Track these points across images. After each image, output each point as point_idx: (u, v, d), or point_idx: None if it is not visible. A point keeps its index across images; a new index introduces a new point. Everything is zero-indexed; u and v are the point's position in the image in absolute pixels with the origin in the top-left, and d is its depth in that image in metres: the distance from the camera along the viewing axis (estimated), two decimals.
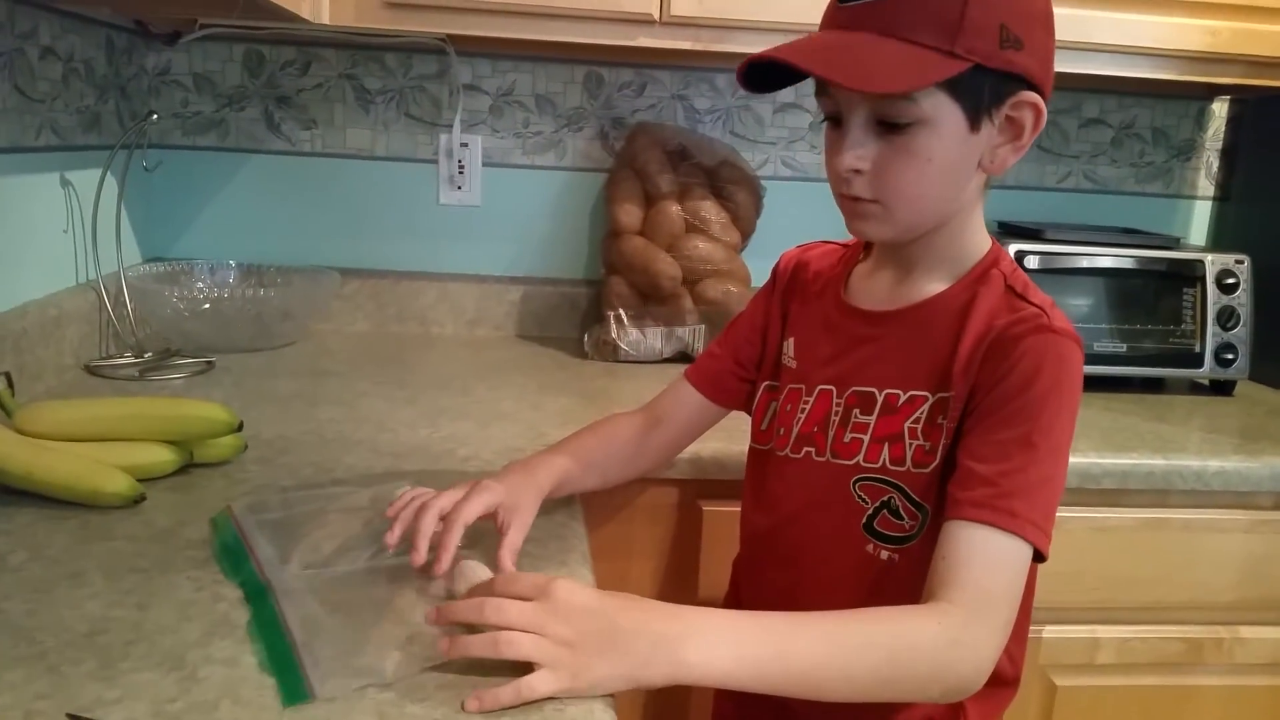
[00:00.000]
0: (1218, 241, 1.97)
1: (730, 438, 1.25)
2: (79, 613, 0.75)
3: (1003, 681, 0.92)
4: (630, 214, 1.67)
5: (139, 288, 1.54)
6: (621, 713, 0.70)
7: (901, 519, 0.86)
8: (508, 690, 0.66)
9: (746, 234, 1.73)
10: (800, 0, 1.41)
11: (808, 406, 0.93)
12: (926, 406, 0.85)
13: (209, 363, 1.47)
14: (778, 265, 1.05)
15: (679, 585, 1.28)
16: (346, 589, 0.80)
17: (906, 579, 0.83)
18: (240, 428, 1.07)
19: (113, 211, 1.54)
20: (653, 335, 1.66)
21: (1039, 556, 0.79)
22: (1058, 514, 1.27)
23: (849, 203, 0.85)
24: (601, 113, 1.82)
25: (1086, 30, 1.51)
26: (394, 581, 0.82)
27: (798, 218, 1.84)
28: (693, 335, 1.66)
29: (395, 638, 0.73)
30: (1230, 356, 1.64)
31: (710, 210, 1.67)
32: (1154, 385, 1.70)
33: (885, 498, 0.86)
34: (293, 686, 0.66)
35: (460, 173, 1.81)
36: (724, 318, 1.65)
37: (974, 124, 0.80)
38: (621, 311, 1.66)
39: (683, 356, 1.68)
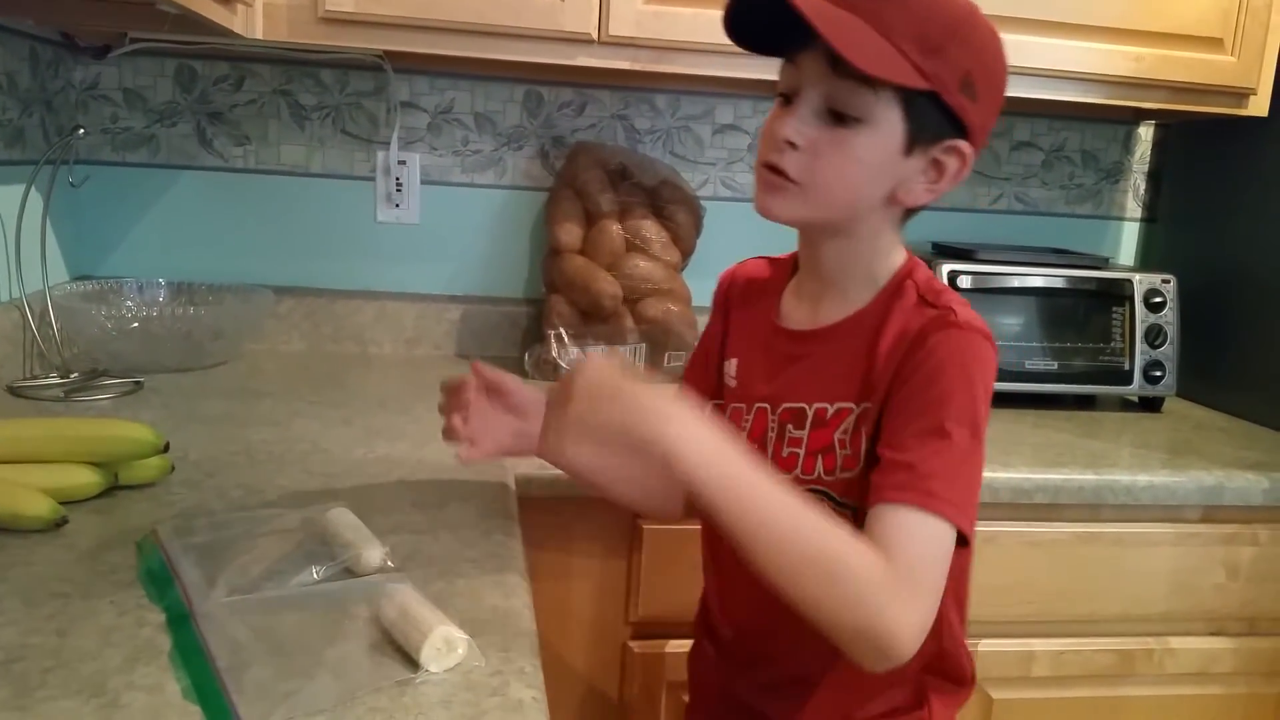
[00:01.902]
0: (1145, 261, 2.02)
1: None
2: None
3: (961, 680, 0.96)
4: (571, 233, 1.67)
5: (65, 306, 1.50)
6: None
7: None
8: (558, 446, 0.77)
9: (687, 253, 1.74)
10: None
11: (748, 424, 0.95)
12: (853, 417, 0.88)
13: (137, 383, 1.43)
14: (717, 288, 1.07)
15: (618, 604, 1.28)
16: (274, 614, 0.78)
17: None
18: (166, 448, 1.04)
19: (37, 228, 1.50)
20: (594, 354, 1.66)
21: (962, 541, 0.79)
22: (992, 528, 1.30)
23: (769, 174, 0.86)
24: (541, 131, 1.82)
25: (1018, 54, 1.52)
26: (323, 606, 0.80)
27: (737, 237, 1.85)
28: (634, 354, 1.66)
29: (325, 662, 0.71)
30: (1158, 374, 1.68)
31: (651, 230, 1.67)
32: (1085, 402, 1.73)
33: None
34: (218, 715, 0.64)
35: (398, 190, 1.79)
36: (665, 336, 1.65)
37: (908, 148, 0.83)
38: (563, 330, 1.65)
39: None
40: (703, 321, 1.71)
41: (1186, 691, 1.44)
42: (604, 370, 0.78)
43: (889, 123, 0.82)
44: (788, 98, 0.85)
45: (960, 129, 0.83)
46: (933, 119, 0.82)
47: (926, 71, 0.79)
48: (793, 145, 0.83)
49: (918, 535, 0.77)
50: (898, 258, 0.92)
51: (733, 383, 1.00)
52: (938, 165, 0.85)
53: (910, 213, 0.91)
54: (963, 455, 0.80)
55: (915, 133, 0.82)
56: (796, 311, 0.96)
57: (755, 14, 0.82)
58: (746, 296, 1.02)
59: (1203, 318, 1.74)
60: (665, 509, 1.05)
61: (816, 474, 0.89)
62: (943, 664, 0.95)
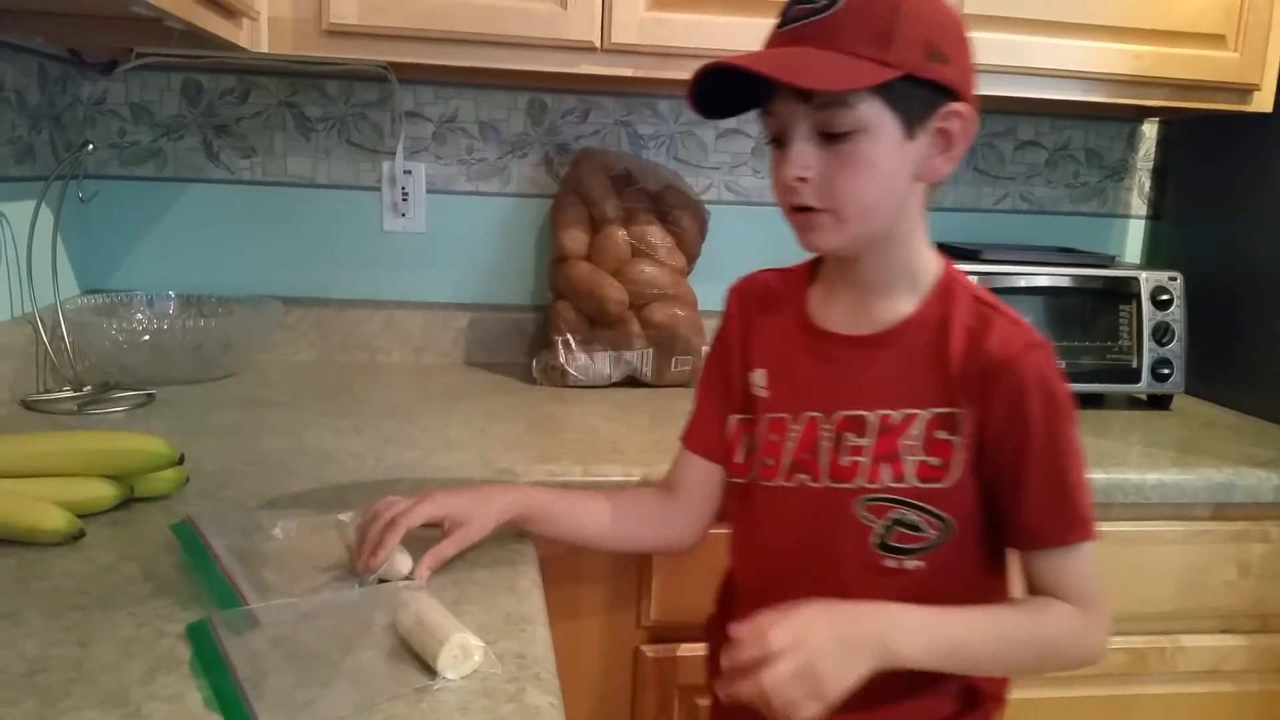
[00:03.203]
0: (1151, 259, 2.02)
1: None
2: (16, 652, 0.73)
3: (995, 697, 0.98)
4: (576, 239, 1.68)
5: (76, 320, 1.51)
6: None
7: (921, 531, 0.89)
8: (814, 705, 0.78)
9: (692, 258, 1.74)
10: (738, 29, 1.44)
11: (796, 434, 0.94)
12: (921, 422, 0.88)
13: (149, 395, 1.44)
14: (729, 298, 1.06)
15: (631, 608, 1.28)
16: (293, 623, 0.79)
17: (932, 582, 0.89)
18: (181, 461, 1.05)
19: (48, 243, 1.51)
20: (601, 360, 1.66)
21: None
22: None
23: (799, 215, 0.88)
24: (546, 139, 1.82)
25: (1020, 55, 1.56)
26: (341, 614, 0.81)
27: (742, 241, 1.86)
28: (641, 359, 1.67)
29: (343, 670, 0.72)
30: (1166, 371, 1.68)
31: (656, 235, 1.68)
32: (1093, 401, 1.73)
33: (895, 514, 0.89)
34: None
35: (404, 200, 1.80)
36: (671, 341, 1.66)
37: (909, 132, 0.85)
38: (569, 336, 1.66)
39: (631, 380, 1.68)
40: (710, 327, 1.72)
41: (1198, 690, 1.44)
42: (825, 632, 0.81)
43: (880, 120, 0.83)
44: (779, 140, 0.87)
45: (947, 92, 0.85)
46: (918, 97, 0.84)
47: (889, 61, 0.81)
48: (804, 180, 0.85)
49: (1085, 565, 0.89)
50: (933, 256, 0.93)
51: (764, 393, 0.98)
52: (944, 134, 0.86)
53: (933, 193, 0.92)
54: (1082, 469, 0.88)
55: (908, 117, 0.84)
56: (832, 314, 0.95)
57: (715, 86, 0.86)
58: (764, 306, 1.01)
59: (1210, 314, 1.73)
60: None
61: (883, 483, 0.89)
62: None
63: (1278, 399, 1.65)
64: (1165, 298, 1.68)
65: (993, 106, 1.90)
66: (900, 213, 0.88)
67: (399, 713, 0.68)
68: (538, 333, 1.83)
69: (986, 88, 1.56)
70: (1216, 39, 1.60)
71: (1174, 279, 1.69)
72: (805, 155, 0.85)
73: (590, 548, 1.08)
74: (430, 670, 0.72)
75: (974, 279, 1.57)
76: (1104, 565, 1.35)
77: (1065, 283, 1.67)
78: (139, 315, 1.66)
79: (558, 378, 1.66)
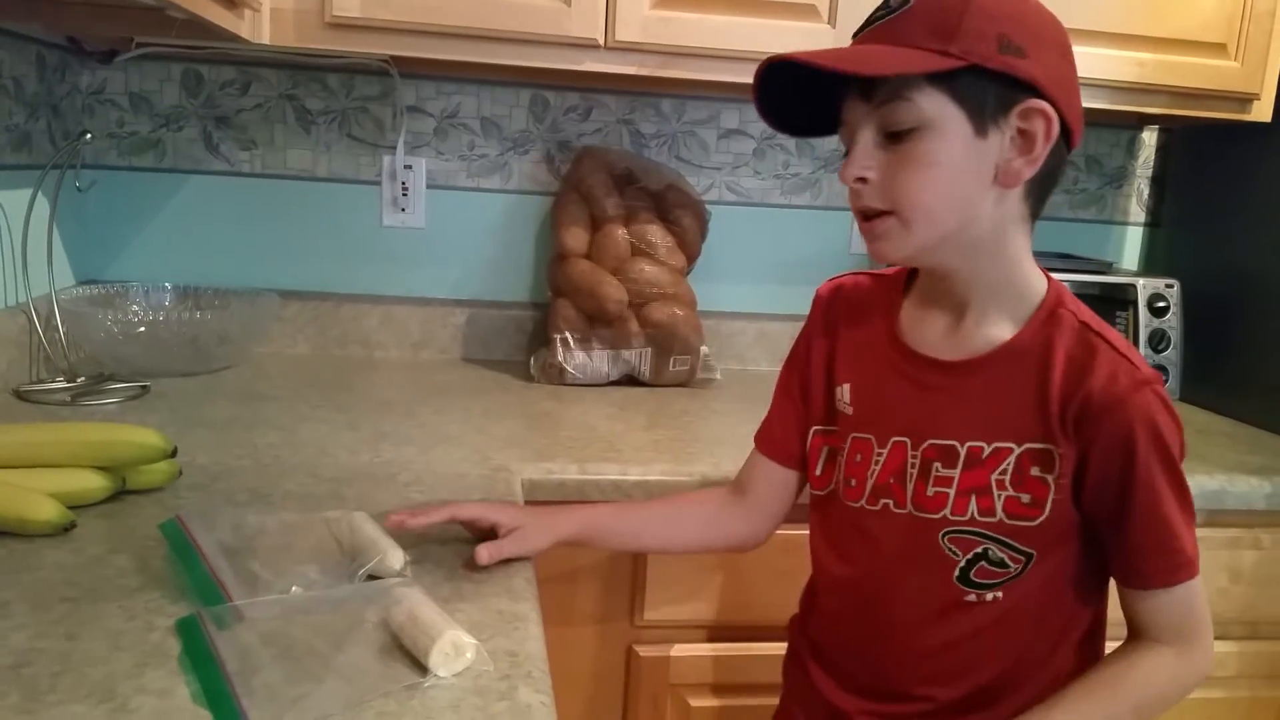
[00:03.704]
0: (1149, 266, 2.02)
1: (677, 459, 1.25)
2: (2, 645, 0.72)
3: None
4: (576, 237, 1.67)
5: (71, 311, 1.50)
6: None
7: (1005, 566, 0.87)
8: None
9: (692, 258, 1.74)
10: (743, 28, 1.44)
11: (881, 458, 0.92)
12: (1014, 458, 0.85)
13: (144, 387, 1.44)
14: (815, 304, 1.03)
15: (624, 608, 1.28)
16: (283, 618, 0.79)
17: (1012, 613, 0.89)
18: (174, 453, 1.05)
19: (44, 233, 1.50)
20: (599, 358, 1.66)
21: None
22: None
23: (866, 225, 0.85)
24: (547, 136, 1.82)
25: None
26: (332, 610, 0.81)
27: (742, 242, 1.86)
28: (639, 358, 1.66)
29: (334, 667, 0.72)
30: (1162, 378, 1.67)
31: (656, 234, 1.67)
32: None
33: (980, 549, 0.87)
34: (228, 719, 0.65)
35: (404, 195, 1.80)
36: (670, 341, 1.65)
37: (980, 130, 0.80)
38: (568, 334, 1.65)
39: (629, 379, 1.68)
40: (711, 326, 1.72)
41: (1190, 696, 1.43)
42: None
43: (946, 116, 0.80)
44: (849, 149, 0.85)
45: (1027, 89, 0.80)
46: (991, 92, 0.80)
47: (953, 52, 0.78)
48: (864, 180, 0.83)
49: (1187, 603, 0.88)
50: (1038, 276, 0.89)
51: (849, 410, 0.95)
52: (1024, 134, 0.81)
53: (1038, 207, 0.88)
54: (1189, 511, 0.86)
55: (978, 113, 0.80)
56: (924, 334, 0.92)
57: (789, 96, 0.84)
58: (853, 316, 0.98)
59: (1206, 322, 1.73)
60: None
61: (969, 515, 0.87)
62: None
63: (1272, 407, 1.65)
64: (1162, 304, 1.68)
65: None
66: (977, 219, 0.83)
67: (390, 710, 0.67)
68: (536, 330, 1.82)
69: None
70: (1218, 48, 1.60)
71: (1171, 286, 1.69)
72: (867, 155, 0.82)
73: (654, 554, 1.11)
74: (422, 668, 0.72)
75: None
76: None
77: None
78: (134, 306, 1.66)
79: (556, 375, 1.65)
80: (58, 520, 0.91)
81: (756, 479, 1.05)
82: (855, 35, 0.86)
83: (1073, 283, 1.66)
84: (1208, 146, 1.85)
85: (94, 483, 0.99)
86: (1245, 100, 1.64)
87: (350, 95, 1.76)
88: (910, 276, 0.96)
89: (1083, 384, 0.82)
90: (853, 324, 0.97)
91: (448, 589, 0.86)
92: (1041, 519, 0.85)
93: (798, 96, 0.84)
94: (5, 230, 1.43)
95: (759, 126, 1.87)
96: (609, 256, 1.66)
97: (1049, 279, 0.90)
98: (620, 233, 1.66)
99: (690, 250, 1.73)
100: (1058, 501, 0.85)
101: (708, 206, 1.77)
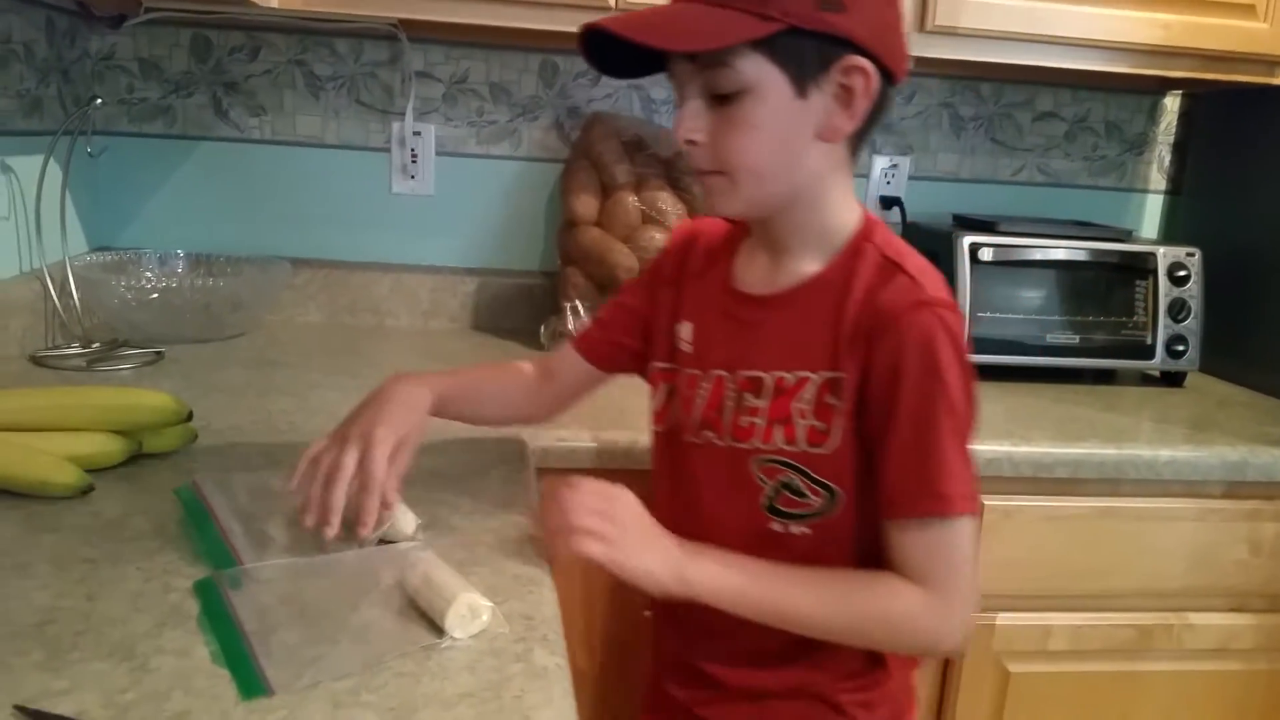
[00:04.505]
0: (1169, 235, 2.00)
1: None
2: (26, 604, 0.73)
3: (902, 662, 0.98)
4: (586, 205, 1.66)
5: (85, 277, 1.50)
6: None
7: (805, 497, 0.88)
8: (595, 548, 0.82)
9: None
10: None
11: (705, 392, 0.94)
12: (813, 387, 0.86)
13: (158, 353, 1.44)
14: (670, 242, 1.06)
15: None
16: (300, 580, 0.79)
17: (821, 551, 0.88)
18: (190, 417, 1.05)
19: (56, 199, 1.50)
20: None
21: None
22: (1011, 502, 1.31)
23: (700, 178, 0.87)
24: (557, 102, 1.81)
25: (1042, 22, 1.53)
26: (349, 573, 0.81)
27: None
28: None
29: (351, 628, 0.72)
30: (1181, 348, 1.66)
31: (667, 201, 1.66)
32: (1105, 377, 1.72)
33: (783, 478, 0.88)
34: (248, 680, 0.65)
35: (413, 161, 1.79)
36: None
37: (800, 90, 0.80)
38: (578, 302, 1.65)
39: None
40: None
41: (1206, 667, 1.44)
42: (635, 513, 0.87)
43: (767, 79, 0.79)
44: (680, 102, 0.86)
45: (850, 45, 0.80)
46: (809, 51, 0.79)
47: (769, 13, 0.77)
48: (693, 143, 0.84)
49: (943, 545, 0.83)
50: (851, 215, 0.89)
51: (688, 348, 0.97)
52: (845, 89, 0.81)
53: (859, 148, 0.88)
54: (959, 441, 0.82)
55: (799, 74, 0.80)
56: (750, 275, 0.94)
57: (615, 45, 0.81)
58: (702, 259, 1.00)
59: (1227, 292, 1.72)
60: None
61: (776, 444, 0.88)
62: None
63: None
64: (1183, 273, 1.66)
65: (1012, 76, 1.87)
66: (804, 174, 0.85)
67: (408, 670, 0.67)
68: (546, 298, 1.81)
69: (1006, 55, 1.56)
70: (1246, 8, 1.57)
71: (1192, 255, 1.67)
72: (694, 117, 0.83)
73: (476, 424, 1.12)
74: (438, 629, 0.72)
75: (988, 251, 1.59)
76: (1114, 540, 1.36)
77: (1081, 256, 1.65)
78: (148, 273, 1.65)
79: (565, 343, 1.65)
80: (76, 483, 0.92)
81: (565, 370, 1.09)
82: None
83: (1091, 251, 1.65)
84: (1232, 112, 1.83)
85: (111, 446, 0.99)
86: (1274, 64, 1.61)
87: (359, 61, 1.75)
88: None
89: (869, 307, 0.83)
90: (701, 266, 1.00)
91: (463, 553, 0.86)
92: (832, 446, 0.85)
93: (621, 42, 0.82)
94: (19, 196, 1.43)
95: None
96: (619, 224, 1.65)
97: (866, 216, 0.90)
98: (630, 200, 1.65)
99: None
100: (845, 430, 0.85)
101: None
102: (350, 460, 0.86)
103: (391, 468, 0.87)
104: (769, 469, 0.89)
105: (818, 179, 0.86)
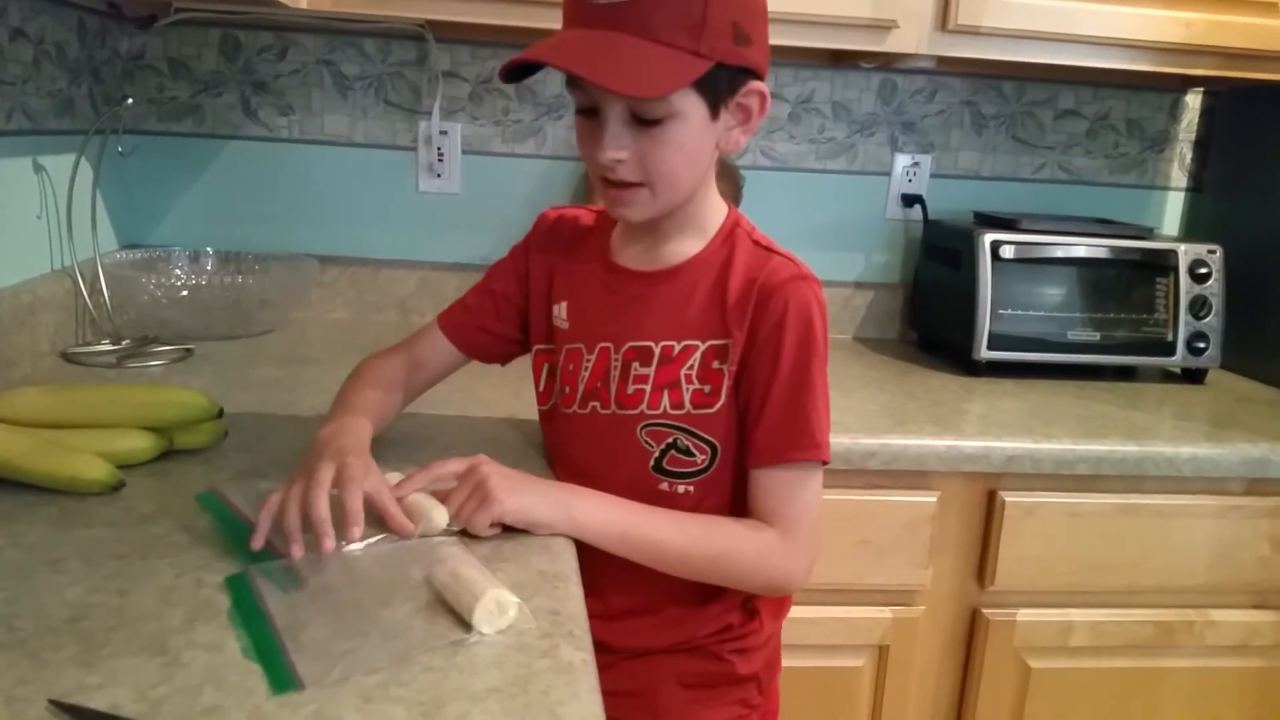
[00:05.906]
0: (1191, 232, 1.99)
1: None
2: (59, 599, 0.74)
3: (772, 614, 1.07)
4: None
5: (116, 274, 1.52)
6: None
7: (692, 455, 0.97)
8: (483, 513, 0.86)
9: None
10: None
11: (590, 364, 1.01)
12: (699, 354, 0.96)
13: (188, 350, 1.46)
14: (539, 225, 1.13)
15: None
16: (328, 574, 0.80)
17: (700, 506, 0.97)
18: (221, 414, 1.07)
19: (88, 197, 1.52)
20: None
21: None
22: (1033, 499, 1.31)
23: (614, 189, 0.93)
24: None
25: (1065, 21, 1.53)
26: (377, 568, 0.82)
27: (777, 207, 1.85)
28: None
29: (380, 623, 0.73)
30: (1202, 345, 1.66)
31: None
32: (1126, 374, 1.72)
33: (671, 439, 0.97)
34: (279, 675, 0.66)
35: (440, 160, 1.80)
36: None
37: (714, 113, 0.90)
38: None
39: None
40: None
41: (1227, 664, 1.44)
42: (496, 468, 0.91)
43: (690, 106, 0.88)
44: (588, 112, 0.90)
45: (750, 71, 0.90)
46: (724, 79, 0.88)
47: (703, 51, 0.84)
48: (620, 161, 0.89)
49: (801, 490, 0.94)
50: (720, 204, 1.00)
51: (565, 325, 1.04)
52: (742, 109, 0.92)
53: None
54: (821, 394, 0.94)
55: (714, 100, 0.89)
56: (629, 254, 1.01)
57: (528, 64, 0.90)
58: (573, 243, 1.07)
59: (1249, 289, 1.71)
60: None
61: (663, 409, 0.96)
62: None
63: None
64: (1204, 271, 1.66)
65: (1033, 74, 1.87)
66: (700, 180, 0.95)
67: (436, 665, 0.69)
68: None
69: (1029, 55, 1.55)
70: (1268, 6, 1.56)
71: (1213, 252, 1.67)
72: (621, 138, 0.89)
73: None
74: (465, 625, 0.73)
75: (1010, 248, 1.59)
76: (1136, 537, 1.36)
77: (1102, 254, 1.65)
78: (178, 270, 1.68)
79: None
80: (107, 479, 0.93)
81: (431, 355, 1.13)
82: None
83: (1112, 248, 1.65)
84: (1254, 109, 1.82)
85: (142, 443, 1.01)
86: None
87: (386, 61, 1.77)
88: None
89: (753, 281, 0.94)
90: (572, 249, 1.07)
91: (488, 548, 0.87)
92: (719, 405, 0.95)
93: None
94: (50, 194, 1.45)
95: (794, 90, 1.85)
96: None
97: (730, 208, 1.01)
98: None
99: None
100: (730, 388, 0.95)
101: (742, 171, 1.76)
102: (326, 475, 0.85)
103: (375, 474, 0.89)
104: (655, 432, 0.97)
105: (704, 186, 0.97)
